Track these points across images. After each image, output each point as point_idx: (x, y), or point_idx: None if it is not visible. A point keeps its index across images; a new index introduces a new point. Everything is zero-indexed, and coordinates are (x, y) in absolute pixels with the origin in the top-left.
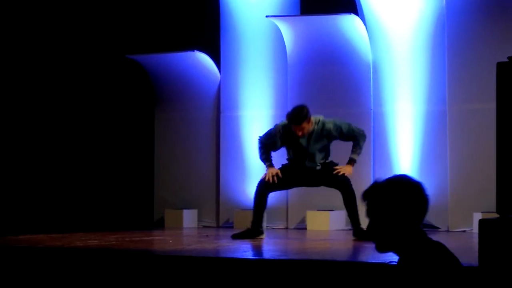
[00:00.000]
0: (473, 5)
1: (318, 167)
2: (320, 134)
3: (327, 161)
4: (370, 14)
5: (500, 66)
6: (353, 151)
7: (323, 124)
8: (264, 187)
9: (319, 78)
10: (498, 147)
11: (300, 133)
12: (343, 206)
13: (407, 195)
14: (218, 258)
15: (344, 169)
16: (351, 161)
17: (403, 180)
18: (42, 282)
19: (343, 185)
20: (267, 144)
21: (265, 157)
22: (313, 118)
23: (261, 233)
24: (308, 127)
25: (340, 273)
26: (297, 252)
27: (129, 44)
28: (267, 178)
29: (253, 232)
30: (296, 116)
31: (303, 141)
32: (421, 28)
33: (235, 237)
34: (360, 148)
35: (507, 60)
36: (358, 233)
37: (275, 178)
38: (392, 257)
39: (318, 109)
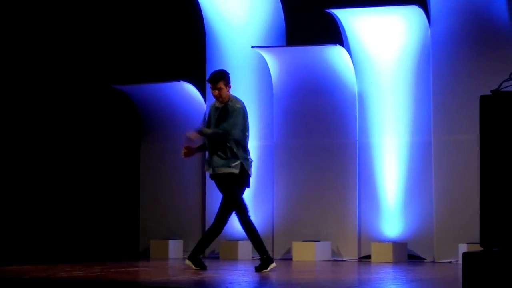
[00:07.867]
0: (457, 38)
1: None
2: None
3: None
4: (355, 45)
5: (483, 99)
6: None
7: (232, 101)
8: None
9: (304, 109)
10: (482, 180)
11: (215, 94)
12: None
13: None
14: None
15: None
16: (199, 130)
17: None
18: None
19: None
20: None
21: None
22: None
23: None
24: (223, 93)
25: None
26: (282, 284)
27: (115, 74)
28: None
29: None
30: (213, 72)
31: (214, 116)
32: (406, 59)
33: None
34: (216, 134)
35: (490, 93)
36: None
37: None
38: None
39: (304, 139)
